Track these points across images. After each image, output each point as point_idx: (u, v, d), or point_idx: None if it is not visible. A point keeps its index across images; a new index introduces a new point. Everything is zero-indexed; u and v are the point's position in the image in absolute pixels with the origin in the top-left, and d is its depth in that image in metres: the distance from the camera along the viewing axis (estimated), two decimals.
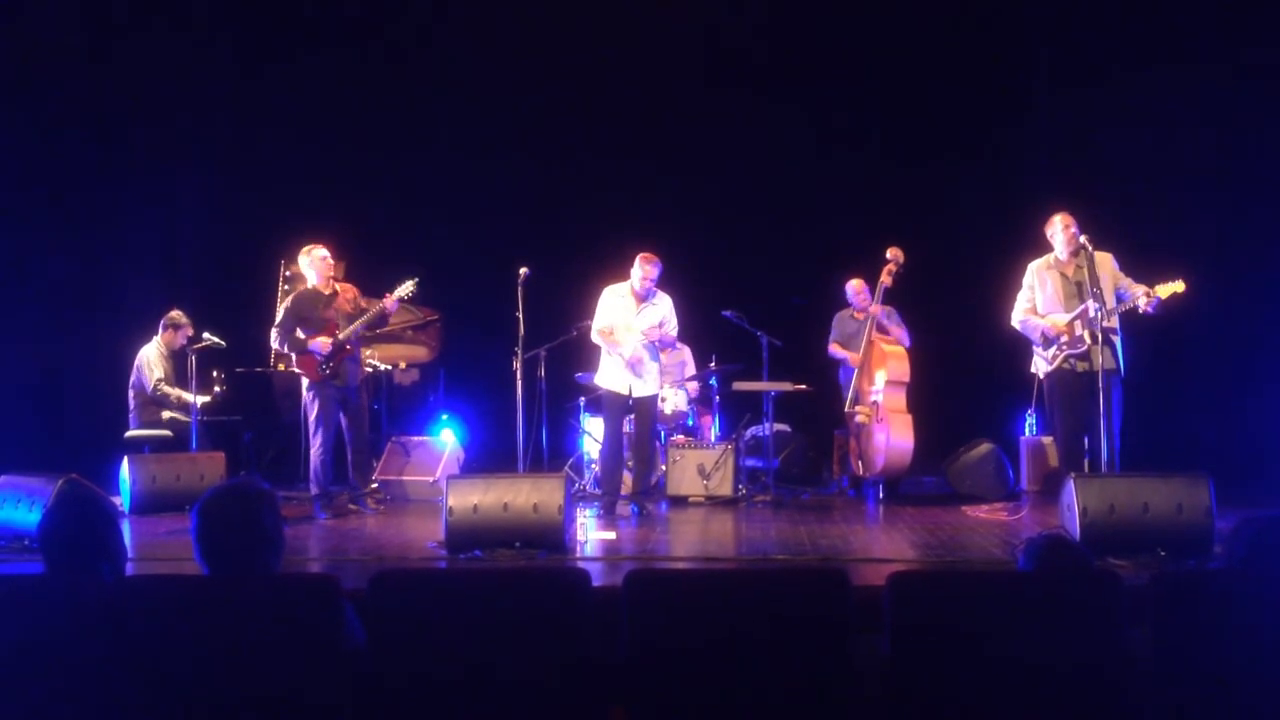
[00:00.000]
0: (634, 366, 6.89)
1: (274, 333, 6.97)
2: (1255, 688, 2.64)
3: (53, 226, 8.94)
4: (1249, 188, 8.32)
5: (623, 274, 7.02)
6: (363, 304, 7.02)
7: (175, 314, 8.16)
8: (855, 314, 8.19)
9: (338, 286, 7.05)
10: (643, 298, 6.95)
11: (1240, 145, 8.30)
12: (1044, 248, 6.53)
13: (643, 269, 6.88)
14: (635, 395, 6.93)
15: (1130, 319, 6.17)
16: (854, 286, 8.17)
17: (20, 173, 8.70)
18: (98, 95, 8.99)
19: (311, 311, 6.90)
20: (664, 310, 7.00)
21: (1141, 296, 5.92)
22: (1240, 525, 2.99)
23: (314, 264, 6.97)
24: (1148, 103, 8.45)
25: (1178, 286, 5.87)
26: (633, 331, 6.90)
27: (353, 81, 9.60)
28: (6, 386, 8.37)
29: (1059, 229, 6.29)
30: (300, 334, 6.85)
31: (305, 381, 6.95)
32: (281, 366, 8.84)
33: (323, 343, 6.82)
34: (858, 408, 7.72)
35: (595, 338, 7.00)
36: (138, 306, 8.89)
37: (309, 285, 7.06)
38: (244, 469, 8.13)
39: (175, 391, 7.96)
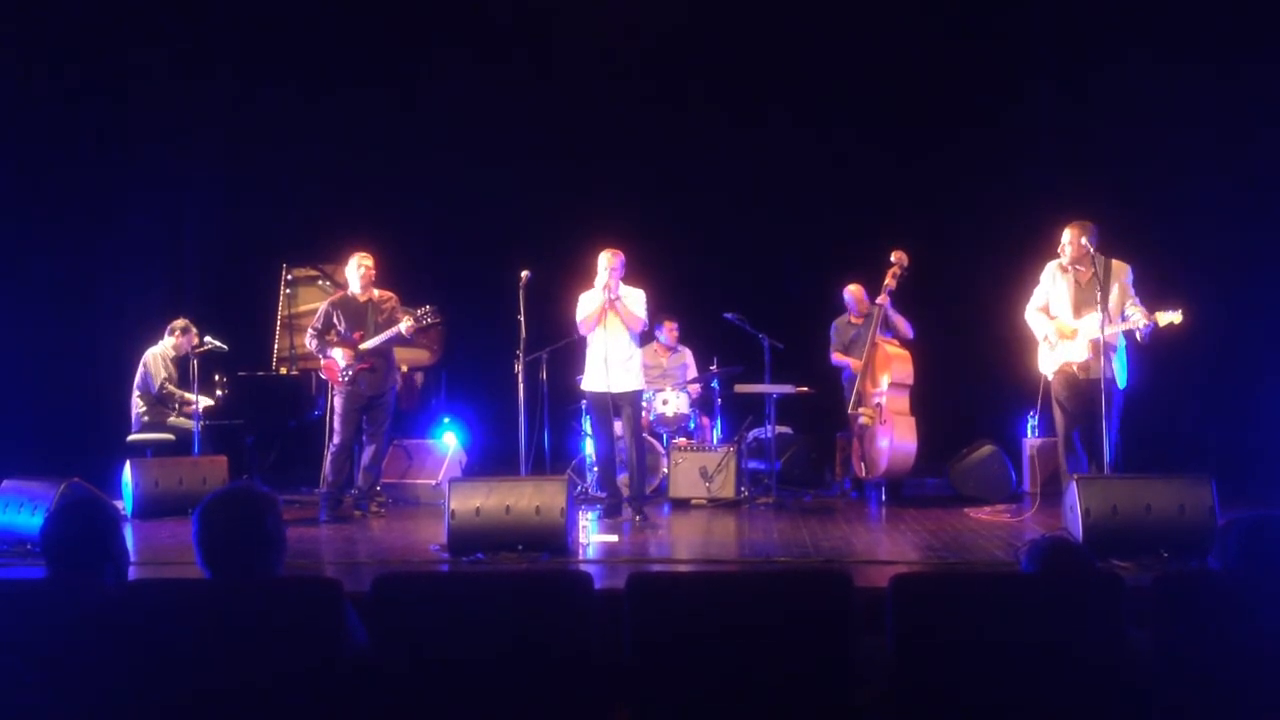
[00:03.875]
0: (611, 361, 6.79)
1: (309, 332, 7.14)
2: (1258, 688, 2.64)
3: (55, 229, 8.94)
4: (1253, 186, 8.30)
5: (625, 278, 6.99)
6: (398, 315, 7.06)
7: (185, 320, 8.20)
8: (853, 319, 8.17)
9: (375, 294, 7.13)
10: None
11: (1245, 143, 8.28)
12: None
13: (607, 262, 6.78)
14: (615, 390, 6.80)
15: None
16: (852, 292, 8.16)
17: (23, 174, 8.70)
18: (102, 96, 9.00)
19: (343, 318, 7.03)
20: (636, 299, 6.92)
21: (1141, 320, 5.92)
22: (1226, 528, 2.99)
23: (356, 271, 7.09)
24: (1151, 102, 8.43)
25: (1176, 317, 5.86)
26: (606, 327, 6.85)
27: (355, 86, 9.60)
28: (8, 390, 8.37)
29: (1065, 240, 6.29)
30: (331, 338, 7.02)
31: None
32: (284, 370, 8.86)
33: (342, 353, 6.95)
34: (860, 409, 7.71)
35: (582, 316, 6.83)
36: (140, 310, 8.90)
37: (349, 291, 7.16)
38: (246, 473, 8.14)
39: (180, 392, 7.98)
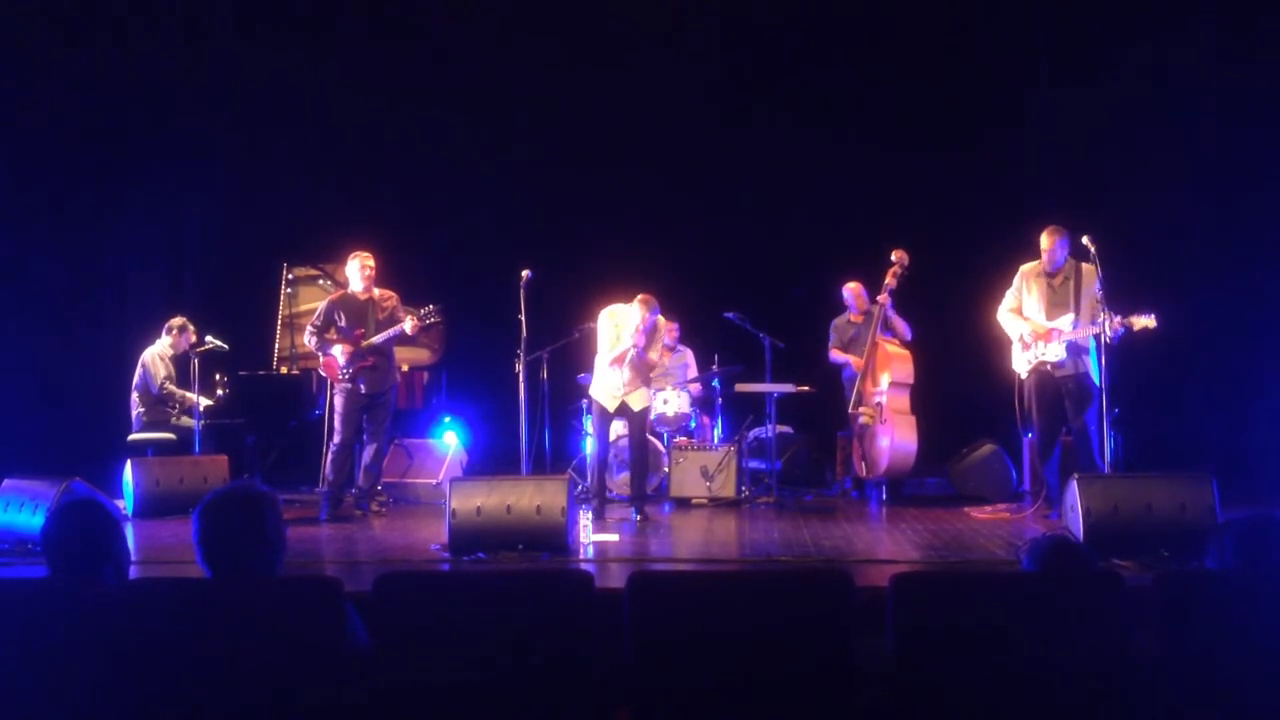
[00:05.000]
0: (626, 384, 6.90)
1: (308, 329, 7.13)
2: (1260, 688, 2.64)
3: (55, 228, 8.95)
4: (1250, 186, 8.31)
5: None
6: (400, 314, 7.07)
7: (182, 319, 8.20)
8: (852, 318, 8.17)
9: (376, 293, 7.13)
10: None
11: (1242, 145, 8.29)
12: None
13: (641, 317, 6.80)
14: (624, 407, 6.97)
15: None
16: (851, 290, 8.15)
17: (22, 174, 8.70)
18: (101, 97, 9.00)
19: (344, 316, 7.02)
20: (657, 340, 7.03)
21: (1108, 327, 6.08)
22: (1223, 528, 2.99)
23: (357, 270, 7.09)
24: (1148, 103, 8.44)
25: (1149, 322, 6.06)
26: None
27: (357, 85, 9.59)
28: (9, 389, 8.38)
29: (1044, 245, 6.56)
30: (331, 335, 7.01)
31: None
32: (285, 369, 8.86)
33: (342, 350, 6.95)
34: (861, 409, 7.72)
35: (607, 356, 6.91)
36: (141, 309, 8.90)
37: (350, 289, 7.16)
38: (247, 472, 8.14)
39: (181, 392, 7.98)
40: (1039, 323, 6.55)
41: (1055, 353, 6.45)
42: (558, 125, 9.56)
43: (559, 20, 9.33)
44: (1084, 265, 6.45)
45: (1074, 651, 2.66)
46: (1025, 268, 6.73)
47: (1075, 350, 6.42)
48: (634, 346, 6.83)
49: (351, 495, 7.19)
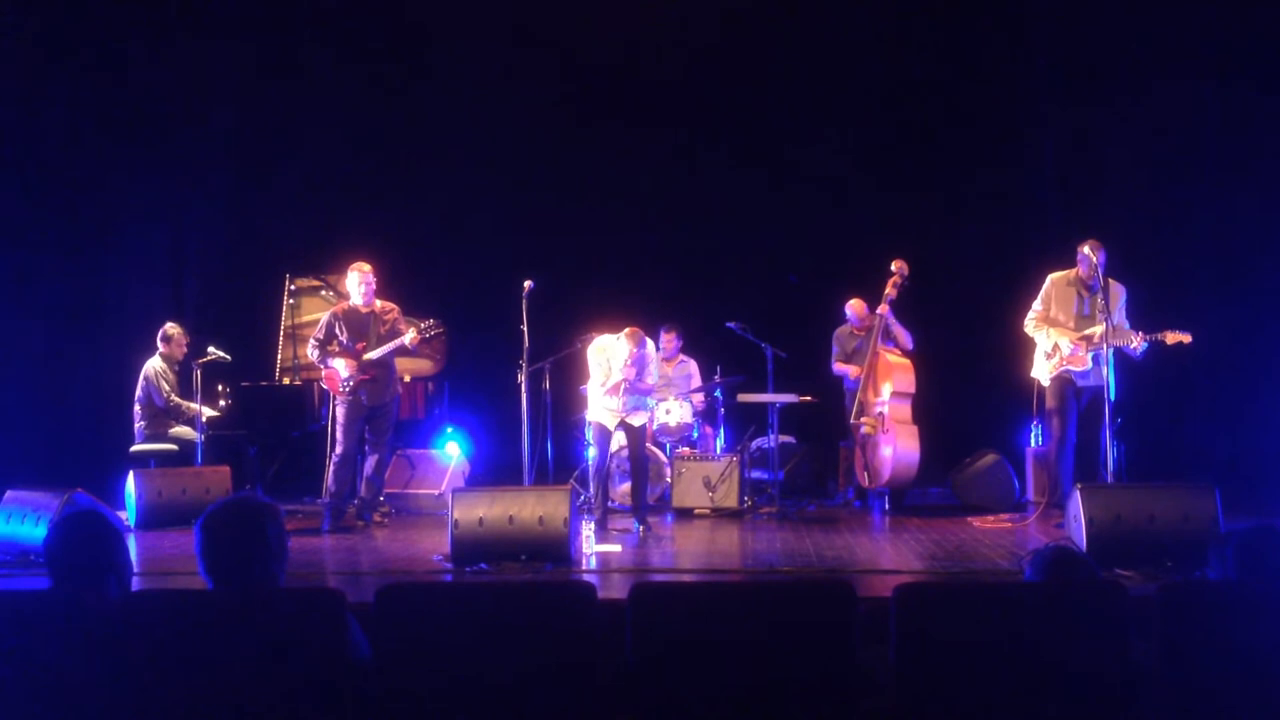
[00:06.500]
0: (624, 407, 6.95)
1: (310, 342, 7.14)
2: (1262, 699, 2.63)
3: (57, 240, 8.97)
4: (1252, 194, 8.31)
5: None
6: (401, 326, 7.09)
7: (169, 326, 8.16)
8: (855, 331, 8.16)
9: (377, 305, 7.14)
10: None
11: (1244, 154, 8.30)
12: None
13: (630, 351, 6.84)
14: (623, 423, 7.02)
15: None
16: (853, 307, 8.13)
17: (25, 185, 8.73)
18: (103, 108, 9.03)
19: (345, 329, 7.04)
20: (653, 367, 7.09)
21: (1135, 341, 6.18)
22: (1223, 539, 2.99)
23: (356, 282, 7.10)
24: (1150, 111, 8.45)
25: (1185, 337, 6.13)
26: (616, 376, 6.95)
27: (360, 95, 9.61)
28: (12, 401, 8.38)
29: (1083, 256, 6.50)
30: (333, 348, 7.03)
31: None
32: (287, 380, 8.86)
33: (344, 364, 6.97)
34: (863, 419, 7.71)
35: (603, 386, 6.95)
36: (143, 320, 8.89)
37: (351, 302, 7.17)
38: (249, 483, 8.13)
39: (186, 403, 7.97)
40: (1070, 333, 6.54)
41: (1081, 363, 6.48)
42: (559, 135, 9.58)
43: (560, 30, 9.35)
44: (1111, 281, 6.45)
45: (1077, 662, 2.66)
46: (1055, 276, 6.70)
47: (1099, 363, 6.40)
48: (625, 380, 6.87)
49: (354, 506, 7.19)
